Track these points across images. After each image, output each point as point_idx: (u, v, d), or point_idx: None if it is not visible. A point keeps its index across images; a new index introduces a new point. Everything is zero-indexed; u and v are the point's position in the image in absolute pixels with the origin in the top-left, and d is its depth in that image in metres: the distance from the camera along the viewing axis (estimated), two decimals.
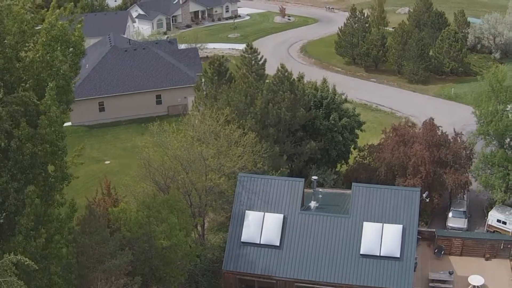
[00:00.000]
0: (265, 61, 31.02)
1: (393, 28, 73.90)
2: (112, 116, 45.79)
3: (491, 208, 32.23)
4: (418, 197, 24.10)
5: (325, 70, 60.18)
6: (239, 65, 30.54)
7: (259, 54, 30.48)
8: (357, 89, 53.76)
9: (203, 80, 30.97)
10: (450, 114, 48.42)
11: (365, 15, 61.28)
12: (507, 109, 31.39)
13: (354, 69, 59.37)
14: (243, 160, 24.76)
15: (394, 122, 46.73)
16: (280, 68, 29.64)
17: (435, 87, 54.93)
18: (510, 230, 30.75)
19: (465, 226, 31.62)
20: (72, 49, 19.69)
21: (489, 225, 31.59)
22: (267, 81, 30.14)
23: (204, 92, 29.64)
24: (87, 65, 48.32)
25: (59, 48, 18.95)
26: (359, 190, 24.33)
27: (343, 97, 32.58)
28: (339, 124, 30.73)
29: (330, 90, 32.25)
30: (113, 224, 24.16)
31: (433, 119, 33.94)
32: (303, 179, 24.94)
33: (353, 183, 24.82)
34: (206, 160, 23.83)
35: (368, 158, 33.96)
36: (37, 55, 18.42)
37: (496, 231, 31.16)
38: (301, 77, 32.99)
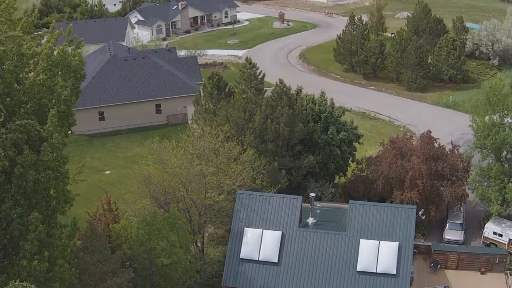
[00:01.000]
0: (263, 75, 31.31)
1: (392, 34, 74.22)
2: (112, 125, 46.08)
3: (488, 219, 32.61)
4: (414, 215, 24.45)
5: (323, 77, 60.55)
6: (238, 80, 30.84)
7: (257, 69, 30.75)
8: (356, 97, 54.08)
9: (202, 94, 31.25)
10: (448, 122, 48.72)
11: (364, 22, 61.47)
12: (504, 122, 31.70)
13: (352, 76, 59.63)
14: (242, 177, 25.08)
15: (392, 131, 47.24)
16: (278, 83, 29.92)
17: (434, 95, 55.21)
18: (506, 243, 31.15)
19: (462, 238, 31.98)
20: (72, 74, 19.93)
21: (486, 237, 31.97)
22: (266, 94, 30.41)
23: (204, 107, 29.92)
24: (87, 73, 48.52)
25: (59, 72, 19.21)
26: (356, 208, 24.68)
27: (341, 110, 32.84)
28: (337, 138, 31.06)
29: (328, 103, 32.54)
30: (114, 240, 24.54)
31: (430, 132, 34.27)
32: (301, 197, 25.28)
33: (350, 201, 25.16)
34: (206, 178, 24.15)
35: (366, 171, 34.31)
36: (38, 78, 18.71)
37: (492, 243, 31.56)
38: (299, 90, 33.28)
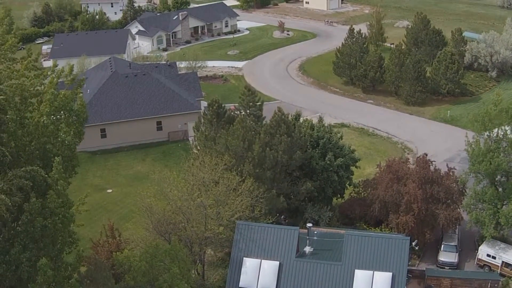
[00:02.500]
0: (262, 102, 31.94)
1: (391, 44, 74.65)
2: (113, 142, 46.77)
3: (482, 240, 33.30)
4: (407, 246, 25.16)
5: (323, 90, 61.08)
6: (238, 107, 31.49)
7: (256, 96, 31.38)
8: (355, 112, 54.65)
9: (202, 120, 31.93)
10: (446, 138, 49.26)
11: (363, 35, 61.89)
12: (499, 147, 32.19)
13: (351, 89, 60.11)
14: (241, 207, 25.76)
15: (390, 148, 47.82)
16: (277, 111, 30.58)
17: (432, 109, 55.70)
18: (499, 265, 31.86)
19: (456, 261, 32.67)
20: (75, 117, 20.61)
21: (479, 259, 32.68)
22: (264, 122, 30.99)
23: (204, 134, 30.60)
24: (88, 90, 49.22)
25: (62, 116, 19.90)
26: (351, 238, 25.39)
27: (339, 135, 33.48)
28: (335, 164, 31.72)
29: (327, 129, 33.16)
30: (117, 268, 25.30)
31: (426, 155, 34.91)
32: (298, 228, 26.00)
33: (346, 233, 25.86)
34: (206, 210, 24.84)
35: (362, 193, 35.00)
36: (41, 119, 19.37)
37: (486, 265, 32.28)
38: (298, 115, 33.93)
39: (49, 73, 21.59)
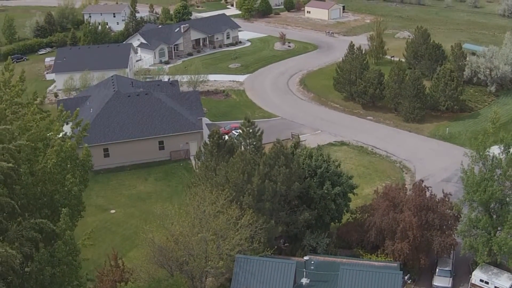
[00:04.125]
0: (262, 132, 32.69)
1: (392, 57, 75.18)
2: (116, 161, 47.59)
3: (476, 265, 33.99)
4: (400, 279, 25.94)
5: (323, 106, 61.63)
6: (238, 138, 32.26)
7: (256, 127, 32.15)
8: (354, 129, 55.20)
9: (203, 150, 32.73)
10: (444, 157, 49.74)
11: (363, 51, 62.41)
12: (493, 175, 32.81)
13: (351, 105, 60.64)
14: (241, 240, 26.54)
15: (389, 167, 48.32)
16: (276, 143, 31.34)
17: (431, 126, 56.21)
18: None
19: (450, 285, 33.38)
20: (80, 166, 21.42)
21: (473, 284, 33.36)
22: (263, 152, 31.70)
23: (205, 164, 31.41)
24: (91, 109, 50.07)
25: (69, 165, 20.72)
26: (346, 273, 26.20)
27: (337, 163, 34.19)
28: (332, 193, 32.46)
29: (325, 157, 33.86)
30: None
31: (422, 181, 35.58)
32: (295, 262, 26.82)
33: (340, 267, 26.64)
34: (207, 245, 25.61)
35: (360, 218, 35.73)
36: (49, 165, 20.18)
37: None
38: (296, 143, 34.66)
39: (55, 118, 22.39)
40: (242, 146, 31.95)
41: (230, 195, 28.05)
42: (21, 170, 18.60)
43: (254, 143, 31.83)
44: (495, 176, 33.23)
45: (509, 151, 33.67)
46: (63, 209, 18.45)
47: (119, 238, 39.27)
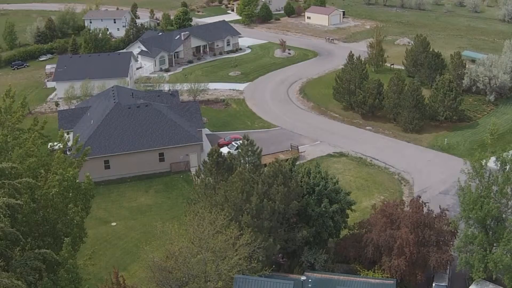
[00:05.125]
0: (260, 150, 33.03)
1: (391, 65, 75.40)
2: (117, 173, 47.95)
3: (473, 280, 34.30)
4: None
5: (323, 115, 61.81)
6: (237, 157, 32.62)
7: (255, 146, 32.49)
8: (353, 140, 55.44)
9: (202, 168, 33.10)
10: (442, 168, 49.94)
11: (362, 61, 62.61)
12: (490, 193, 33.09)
13: (351, 115, 60.81)
14: (239, 260, 26.89)
15: (387, 179, 48.47)
16: (274, 163, 31.68)
17: (429, 136, 56.40)
18: None
19: None
20: (83, 195, 21.79)
21: None
22: (262, 171, 32.01)
23: (204, 182, 31.78)
24: (92, 120, 50.41)
25: (71, 193, 21.11)
26: None
27: (334, 180, 34.52)
28: (330, 210, 32.81)
29: (323, 174, 34.18)
30: None
31: (420, 197, 35.91)
32: (292, 282, 27.15)
33: (337, 287, 26.96)
34: (206, 266, 25.98)
35: (357, 233, 36.06)
36: (51, 193, 20.58)
37: None
38: (294, 159, 34.99)
39: (55, 143, 22.78)
40: (241, 164, 32.30)
41: (229, 215, 28.39)
42: (22, 199, 18.99)
43: (253, 161, 32.17)
44: (492, 194, 33.57)
45: (506, 168, 34.03)
46: (65, 238, 18.84)
47: (119, 251, 39.64)
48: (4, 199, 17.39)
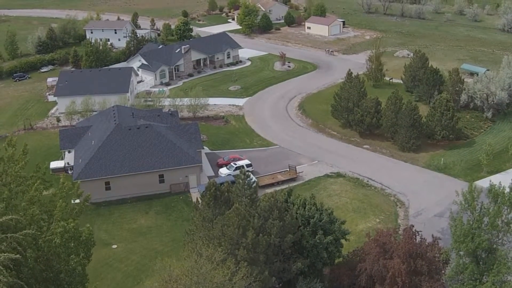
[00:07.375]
0: (257, 184, 33.80)
1: (390, 79, 75.94)
2: (117, 194, 48.76)
3: None
4: None
5: (321, 133, 62.39)
6: (234, 190, 33.44)
7: (251, 179, 33.25)
8: (350, 159, 56.05)
9: (200, 201, 33.93)
10: (438, 190, 50.51)
11: (361, 79, 63.18)
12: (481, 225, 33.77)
13: (349, 133, 61.39)
14: None
15: (383, 201, 49.12)
16: (270, 197, 32.49)
17: (426, 155, 56.97)
18: None
19: None
20: (83, 244, 22.61)
21: None
22: (259, 204, 32.80)
23: (202, 216, 32.62)
24: (92, 141, 51.22)
25: (72, 244, 21.93)
26: None
27: (329, 211, 35.30)
28: (325, 242, 33.62)
29: (318, 206, 34.95)
30: None
31: (413, 226, 36.69)
32: None
33: None
34: None
35: (351, 261, 36.90)
36: (54, 240, 21.40)
37: None
38: (290, 190, 35.81)
39: (56, 191, 23.57)
40: (238, 198, 33.11)
41: (226, 250, 29.21)
42: (27, 254, 19.78)
43: (250, 195, 32.99)
44: (483, 225, 34.29)
45: (497, 201, 34.75)
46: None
47: (121, 274, 40.51)
48: (5, 254, 18.17)
